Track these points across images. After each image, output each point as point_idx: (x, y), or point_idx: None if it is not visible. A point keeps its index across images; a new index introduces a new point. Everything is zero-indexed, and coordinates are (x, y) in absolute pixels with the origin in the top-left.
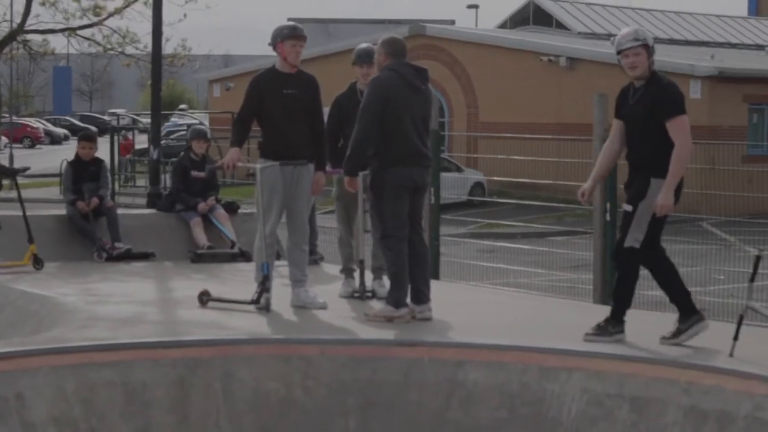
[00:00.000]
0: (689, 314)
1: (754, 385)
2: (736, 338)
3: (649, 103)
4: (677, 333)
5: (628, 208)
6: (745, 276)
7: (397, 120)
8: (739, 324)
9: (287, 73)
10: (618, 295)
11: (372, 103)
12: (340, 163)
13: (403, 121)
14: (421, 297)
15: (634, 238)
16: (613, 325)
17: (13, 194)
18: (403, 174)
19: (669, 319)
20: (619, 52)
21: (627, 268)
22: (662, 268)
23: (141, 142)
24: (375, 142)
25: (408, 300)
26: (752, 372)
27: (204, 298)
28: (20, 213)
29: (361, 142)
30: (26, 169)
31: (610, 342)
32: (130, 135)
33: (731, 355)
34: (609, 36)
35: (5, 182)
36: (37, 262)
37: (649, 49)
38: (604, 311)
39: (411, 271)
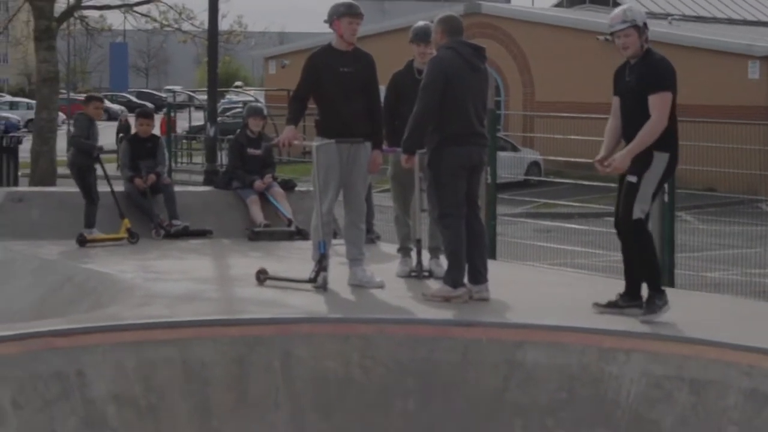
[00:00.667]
0: (661, 292)
1: None
2: None
3: (640, 78)
4: (653, 309)
5: (633, 179)
6: None
7: (457, 99)
8: None
9: (343, 50)
10: (647, 267)
11: (432, 81)
12: (396, 142)
13: (463, 100)
14: (479, 277)
15: (640, 209)
16: (658, 297)
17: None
18: (461, 153)
19: (728, 301)
20: (611, 34)
21: (642, 239)
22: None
23: (197, 119)
24: (434, 120)
25: (465, 280)
26: None
27: (261, 276)
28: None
29: (422, 121)
30: (101, 147)
31: (663, 315)
32: (173, 112)
33: None
34: (666, 15)
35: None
36: (132, 236)
37: (639, 29)
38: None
39: (468, 250)
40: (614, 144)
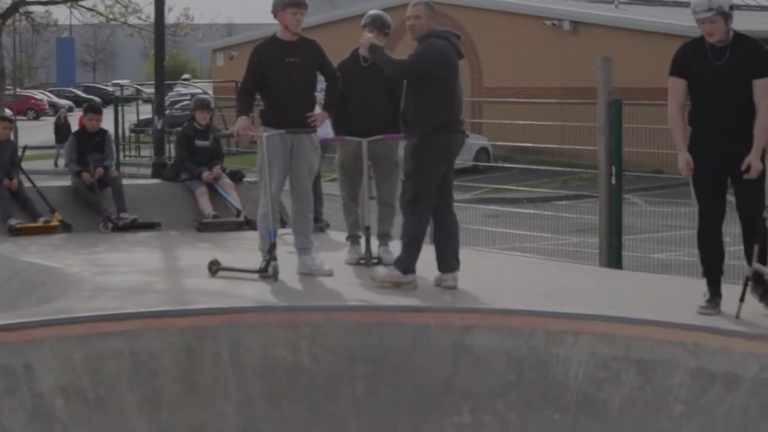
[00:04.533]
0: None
1: (760, 347)
2: (742, 299)
3: (743, 61)
4: None
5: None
6: None
7: (449, 89)
8: (746, 286)
9: (288, 41)
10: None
11: (424, 60)
12: (343, 131)
13: (453, 90)
14: (447, 266)
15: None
16: None
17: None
18: (449, 141)
19: (676, 281)
20: (696, 20)
21: None
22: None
23: (145, 112)
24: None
25: (434, 269)
26: (759, 333)
27: (213, 267)
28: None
29: (402, 73)
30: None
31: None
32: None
33: (737, 316)
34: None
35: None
36: (66, 227)
37: (725, 15)
38: (610, 274)
39: (438, 239)
40: (683, 128)
